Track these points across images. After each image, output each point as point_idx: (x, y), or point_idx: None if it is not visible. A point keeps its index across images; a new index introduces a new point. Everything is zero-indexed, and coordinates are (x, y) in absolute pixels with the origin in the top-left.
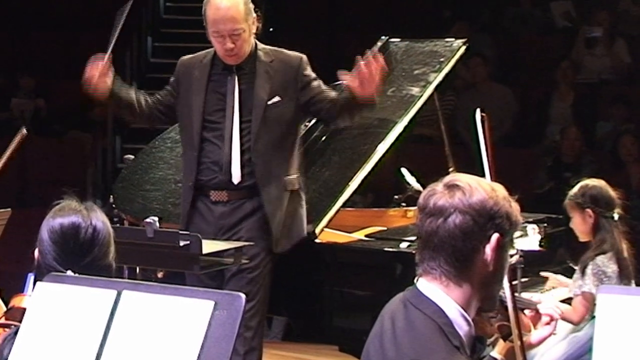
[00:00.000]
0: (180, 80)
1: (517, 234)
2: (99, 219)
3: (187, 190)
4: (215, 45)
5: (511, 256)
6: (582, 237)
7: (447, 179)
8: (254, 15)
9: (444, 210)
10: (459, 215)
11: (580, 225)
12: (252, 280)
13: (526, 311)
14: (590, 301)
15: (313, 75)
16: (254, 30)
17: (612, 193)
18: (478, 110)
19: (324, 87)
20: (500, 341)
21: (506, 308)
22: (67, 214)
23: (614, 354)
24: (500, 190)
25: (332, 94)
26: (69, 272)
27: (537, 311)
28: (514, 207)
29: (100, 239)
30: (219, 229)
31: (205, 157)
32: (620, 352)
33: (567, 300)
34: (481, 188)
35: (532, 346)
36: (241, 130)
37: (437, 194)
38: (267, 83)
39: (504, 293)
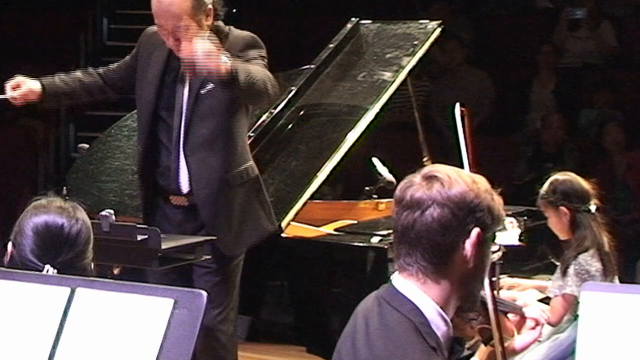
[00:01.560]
0: (140, 54)
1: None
2: (83, 220)
3: (144, 181)
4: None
5: (493, 253)
6: (562, 236)
7: (426, 170)
8: (209, 5)
9: (422, 203)
10: (437, 208)
11: (557, 224)
12: (220, 283)
13: (510, 315)
14: (570, 303)
15: (251, 55)
16: (209, 22)
17: (585, 185)
18: (457, 105)
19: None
20: (482, 346)
21: (487, 310)
22: (52, 212)
23: (598, 354)
24: (482, 183)
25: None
26: (48, 267)
27: (522, 315)
28: (497, 201)
29: (82, 240)
30: (182, 233)
31: (160, 160)
32: (605, 352)
33: (544, 300)
34: (461, 180)
35: (515, 352)
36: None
37: (415, 185)
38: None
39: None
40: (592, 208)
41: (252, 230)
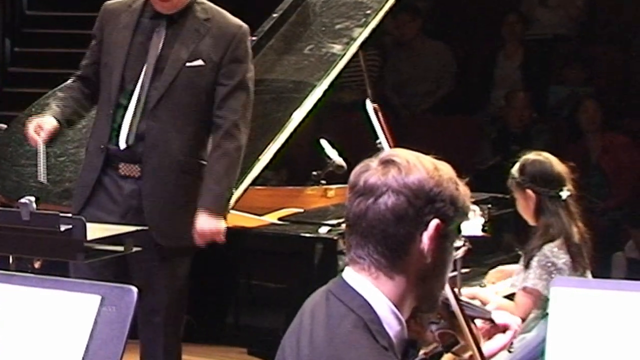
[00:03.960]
0: (104, 28)
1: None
2: None
3: (96, 157)
4: None
5: (457, 249)
6: (530, 222)
7: (385, 153)
8: None
9: (375, 189)
10: (391, 196)
11: (524, 208)
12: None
13: (477, 321)
14: (533, 296)
15: (247, 51)
16: None
17: (559, 168)
18: (368, 102)
19: (236, 94)
20: (447, 355)
21: (451, 313)
22: None
23: (569, 354)
24: (446, 170)
25: (230, 115)
26: None
27: (490, 321)
28: (462, 191)
29: None
30: (126, 210)
31: (115, 123)
32: (576, 352)
33: (512, 296)
34: (421, 166)
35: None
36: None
37: (370, 170)
38: (192, 42)
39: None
40: (563, 194)
41: (190, 228)
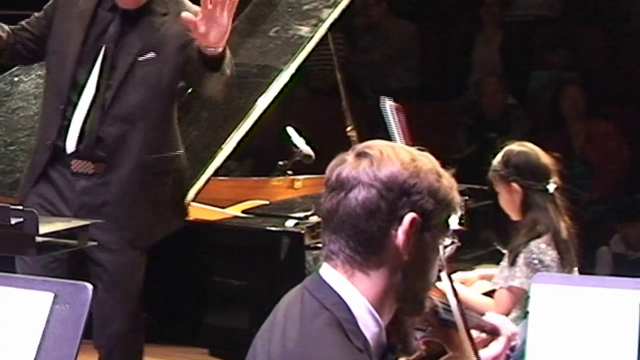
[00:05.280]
0: (57, 9)
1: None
2: None
3: (42, 152)
4: None
5: (446, 247)
6: (514, 216)
7: (361, 145)
8: None
9: (346, 183)
10: (362, 190)
11: (508, 202)
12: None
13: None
14: (518, 296)
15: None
16: None
17: (545, 159)
18: (385, 99)
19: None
20: None
21: (440, 320)
22: None
23: (550, 355)
24: (425, 161)
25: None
26: None
27: (491, 333)
28: (445, 183)
29: None
30: (80, 207)
31: (65, 120)
32: (558, 352)
33: (490, 293)
34: (395, 157)
35: None
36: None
37: (344, 163)
38: (145, 36)
39: (442, 302)
40: (550, 187)
41: (160, 224)
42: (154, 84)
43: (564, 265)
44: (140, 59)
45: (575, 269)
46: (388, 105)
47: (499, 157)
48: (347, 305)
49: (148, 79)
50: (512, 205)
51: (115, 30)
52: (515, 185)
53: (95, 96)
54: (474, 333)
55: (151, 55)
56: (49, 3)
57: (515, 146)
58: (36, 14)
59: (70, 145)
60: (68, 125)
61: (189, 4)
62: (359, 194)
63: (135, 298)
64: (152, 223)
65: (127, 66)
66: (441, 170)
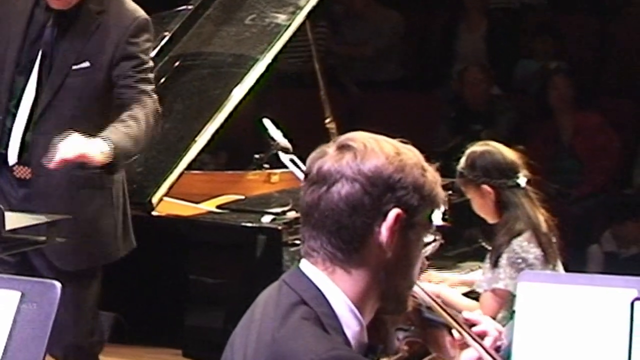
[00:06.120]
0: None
1: None
2: None
3: None
4: None
5: (428, 244)
6: (490, 219)
7: (343, 137)
8: None
9: (328, 177)
10: (345, 184)
11: (481, 206)
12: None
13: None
14: (503, 298)
15: (141, 47)
16: None
17: (510, 155)
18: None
19: (140, 75)
20: None
21: (425, 320)
22: None
23: (537, 354)
24: (410, 156)
25: (141, 98)
26: None
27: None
28: (430, 178)
29: None
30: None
31: (5, 127)
32: (544, 351)
33: (470, 294)
34: (380, 150)
35: None
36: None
37: (325, 156)
38: (81, 41)
39: (424, 302)
40: (522, 182)
41: (96, 249)
42: (87, 95)
43: (548, 260)
44: (75, 67)
45: (559, 264)
46: (287, 158)
47: (462, 161)
48: (327, 300)
49: (82, 90)
50: (487, 209)
51: (50, 33)
52: (485, 187)
53: (31, 108)
54: (456, 334)
55: (85, 64)
56: None
57: (477, 147)
58: None
59: (12, 157)
60: (9, 135)
61: (128, 4)
62: (342, 189)
63: (88, 310)
64: (82, 245)
65: (62, 76)
66: (425, 165)
